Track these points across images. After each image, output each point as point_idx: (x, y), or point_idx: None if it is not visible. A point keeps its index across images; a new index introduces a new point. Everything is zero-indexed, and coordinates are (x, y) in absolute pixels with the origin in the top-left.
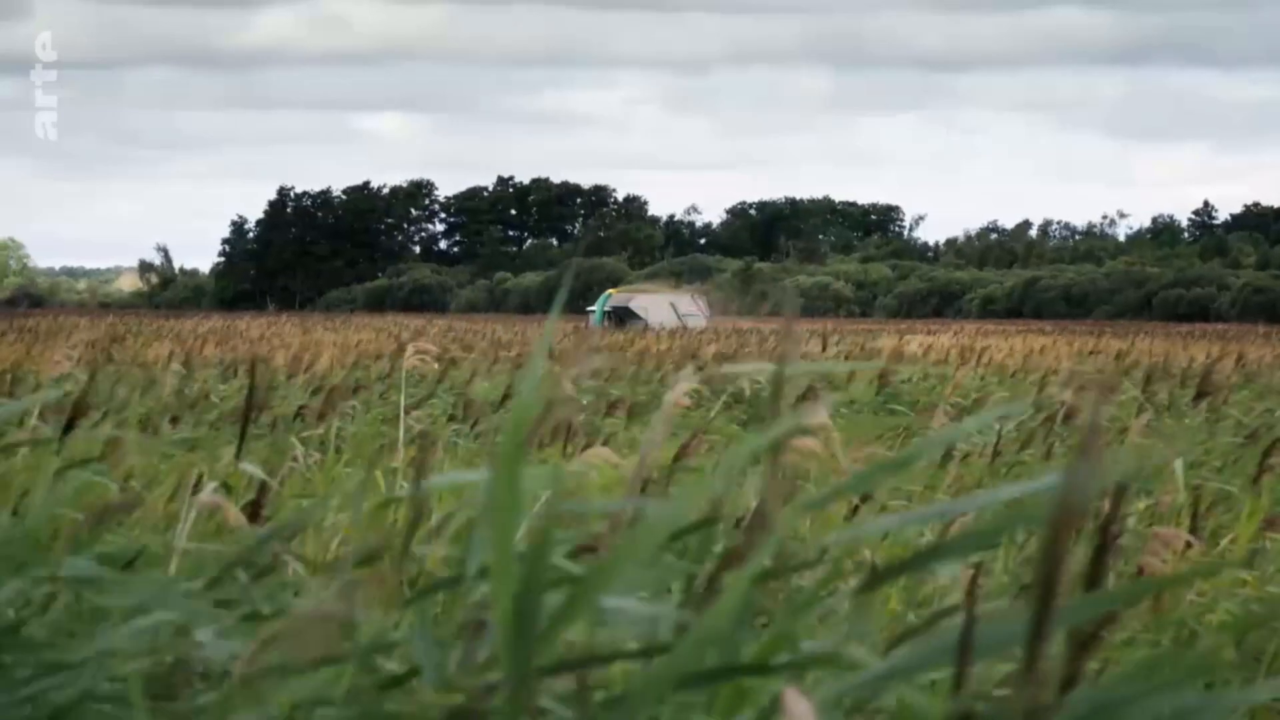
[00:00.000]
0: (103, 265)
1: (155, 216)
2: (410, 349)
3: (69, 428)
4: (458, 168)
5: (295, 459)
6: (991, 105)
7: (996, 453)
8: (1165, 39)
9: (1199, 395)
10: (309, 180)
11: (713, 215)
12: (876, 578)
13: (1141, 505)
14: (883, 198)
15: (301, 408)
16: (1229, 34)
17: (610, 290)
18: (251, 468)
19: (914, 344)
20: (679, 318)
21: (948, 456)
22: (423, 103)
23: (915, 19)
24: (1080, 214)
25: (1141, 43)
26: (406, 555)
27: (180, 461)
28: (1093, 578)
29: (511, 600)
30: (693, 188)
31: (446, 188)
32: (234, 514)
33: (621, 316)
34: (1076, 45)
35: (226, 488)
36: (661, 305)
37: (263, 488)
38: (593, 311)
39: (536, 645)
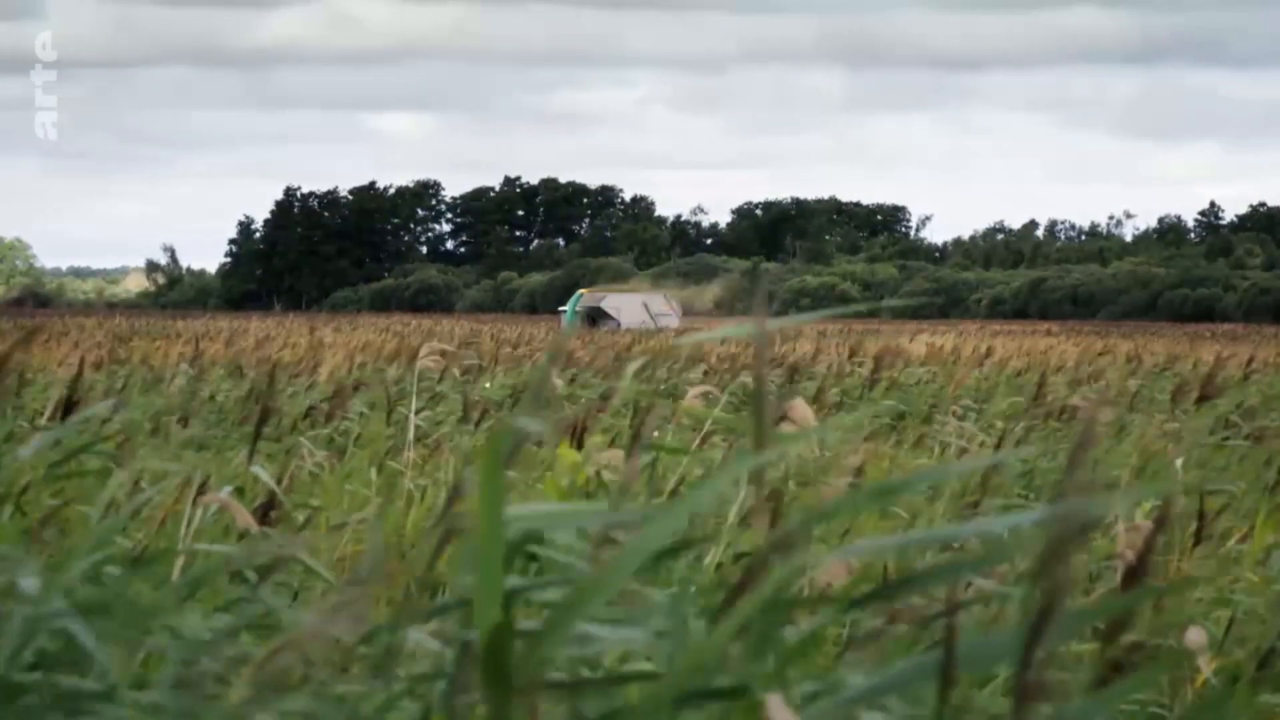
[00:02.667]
0: (109, 265)
1: (164, 216)
2: (424, 349)
3: (65, 417)
4: (471, 168)
5: (303, 459)
6: (1005, 105)
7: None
8: (1181, 38)
9: (1201, 399)
10: (321, 180)
11: (720, 215)
12: (863, 600)
13: (1147, 507)
14: (895, 198)
15: (311, 408)
16: (1245, 33)
17: (582, 290)
18: (262, 473)
19: (919, 344)
20: (651, 318)
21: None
22: (435, 102)
23: (930, 19)
24: (1091, 214)
25: (1157, 42)
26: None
27: (187, 461)
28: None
29: (489, 629)
30: (706, 187)
31: (461, 188)
32: (242, 515)
33: (594, 316)
34: (1091, 45)
35: (239, 491)
36: (634, 305)
37: (273, 491)
38: (564, 311)
39: (518, 668)
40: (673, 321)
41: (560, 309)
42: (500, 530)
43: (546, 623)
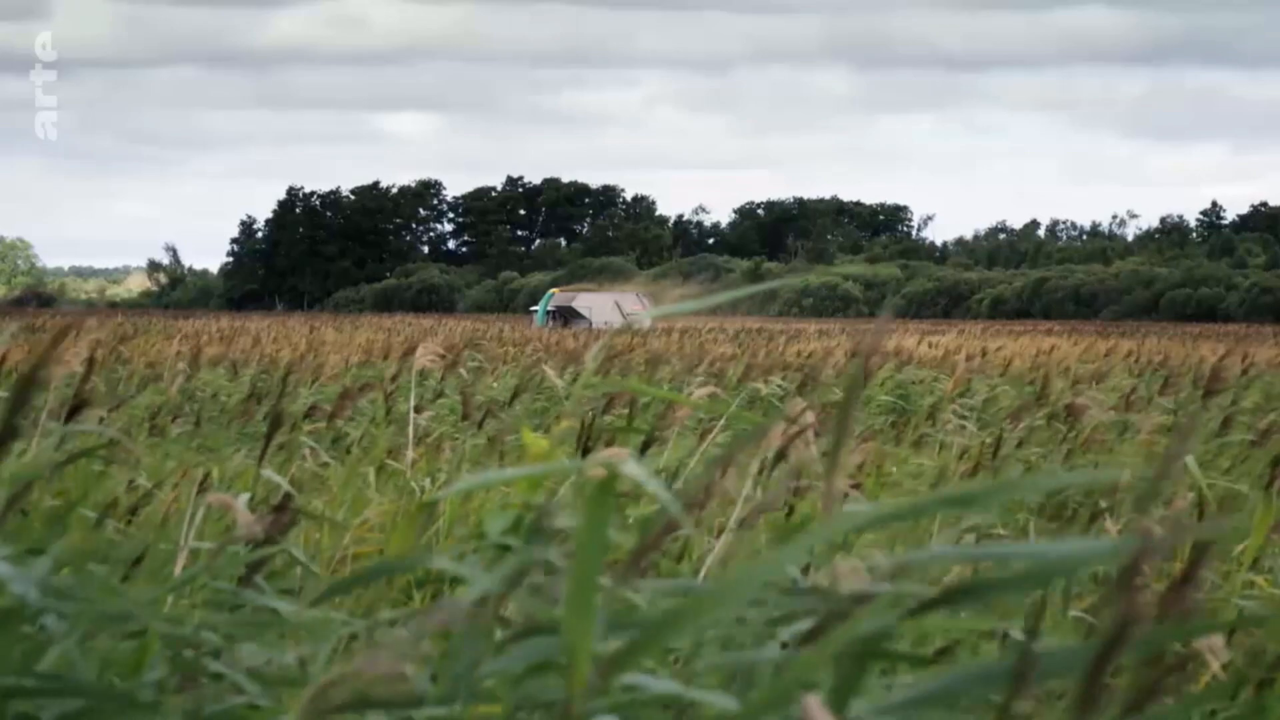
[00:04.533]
0: (111, 265)
1: (169, 216)
2: (420, 349)
3: (69, 419)
4: (476, 168)
5: (305, 459)
6: (1012, 105)
7: (996, 449)
8: (1189, 38)
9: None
10: (327, 180)
11: (722, 215)
12: (926, 607)
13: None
14: (899, 198)
15: (312, 408)
16: (1253, 33)
17: (553, 290)
18: (274, 476)
19: (923, 345)
20: (624, 316)
21: (950, 452)
22: (441, 102)
23: (937, 18)
24: (1096, 214)
25: (1165, 42)
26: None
27: (188, 460)
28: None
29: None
30: (711, 187)
31: (467, 188)
32: (244, 516)
33: (565, 316)
34: (1100, 45)
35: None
36: (605, 304)
37: (285, 494)
38: (535, 311)
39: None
40: (645, 321)
41: (531, 309)
42: (593, 603)
43: (613, 658)
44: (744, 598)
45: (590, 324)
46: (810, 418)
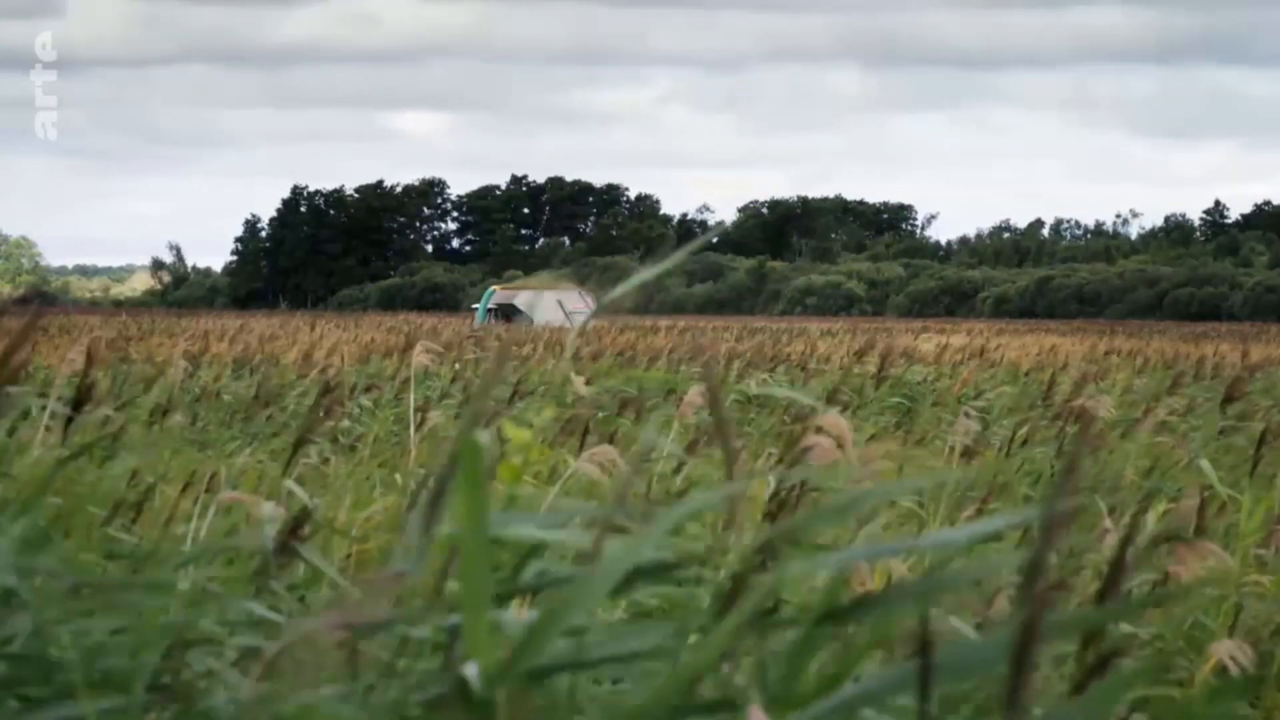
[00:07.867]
0: (115, 264)
1: (173, 215)
2: (418, 346)
3: (72, 418)
4: (486, 167)
5: (311, 457)
6: (1025, 104)
7: (1001, 447)
8: (1206, 37)
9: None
10: (334, 179)
11: (726, 214)
12: (832, 615)
13: (1161, 508)
14: (904, 197)
15: (325, 410)
16: (1267, 31)
17: (494, 287)
18: (298, 489)
19: (929, 344)
20: (565, 315)
21: (961, 451)
22: (449, 101)
23: (952, 17)
24: (1100, 213)
25: (1179, 41)
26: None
27: (191, 459)
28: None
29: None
30: (719, 186)
31: (472, 186)
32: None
33: (507, 313)
34: (1112, 44)
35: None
36: (548, 302)
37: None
38: (476, 309)
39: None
40: (589, 319)
41: (473, 306)
42: (486, 570)
43: (526, 634)
44: (604, 589)
45: (532, 322)
46: (840, 425)
